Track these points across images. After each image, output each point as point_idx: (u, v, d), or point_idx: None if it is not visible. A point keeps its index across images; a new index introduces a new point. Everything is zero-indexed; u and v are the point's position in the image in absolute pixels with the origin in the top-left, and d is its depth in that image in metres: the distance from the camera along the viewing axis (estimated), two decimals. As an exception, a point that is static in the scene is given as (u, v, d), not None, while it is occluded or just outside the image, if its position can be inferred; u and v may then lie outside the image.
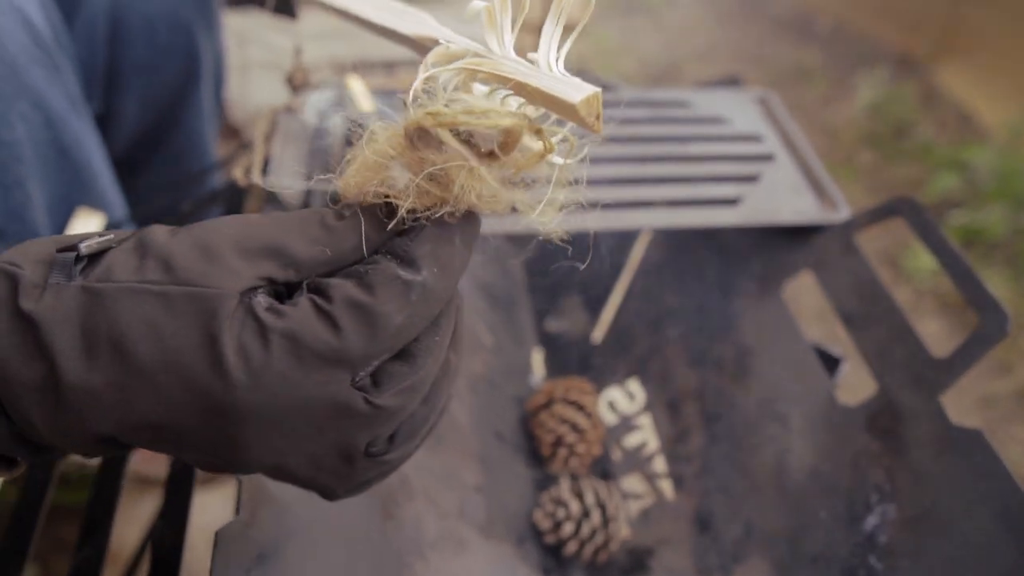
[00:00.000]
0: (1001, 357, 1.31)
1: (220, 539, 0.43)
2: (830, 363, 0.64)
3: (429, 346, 0.30)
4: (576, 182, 0.34)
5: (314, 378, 0.27)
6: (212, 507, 0.94)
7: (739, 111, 0.79)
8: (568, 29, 0.33)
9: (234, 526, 0.44)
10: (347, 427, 0.28)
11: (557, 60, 0.32)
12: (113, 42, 0.74)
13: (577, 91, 0.29)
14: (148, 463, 0.99)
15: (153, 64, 0.78)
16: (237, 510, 0.45)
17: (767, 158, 0.72)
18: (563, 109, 0.29)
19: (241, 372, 0.26)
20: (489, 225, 0.61)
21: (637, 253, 0.78)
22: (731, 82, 0.84)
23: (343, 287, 0.28)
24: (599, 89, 0.29)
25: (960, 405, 1.26)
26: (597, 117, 0.29)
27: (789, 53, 2.17)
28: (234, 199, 0.75)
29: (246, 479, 0.46)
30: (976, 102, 1.88)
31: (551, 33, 0.32)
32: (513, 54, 0.32)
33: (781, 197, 0.67)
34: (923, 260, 1.46)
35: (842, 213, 0.66)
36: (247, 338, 0.26)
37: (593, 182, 0.68)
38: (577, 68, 1.06)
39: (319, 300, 0.28)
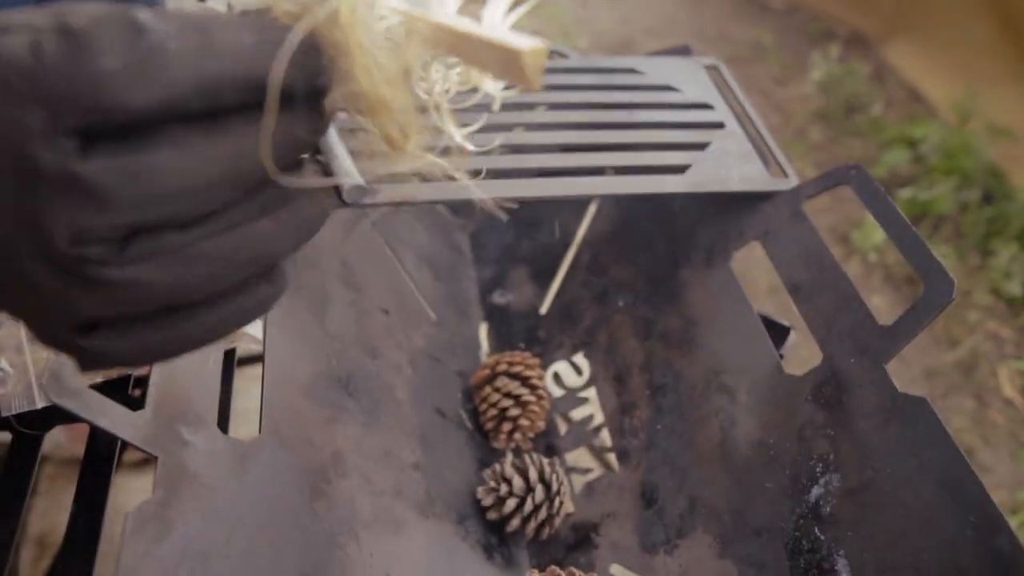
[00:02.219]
0: (947, 330, 1.33)
1: (131, 520, 0.40)
2: (780, 333, 0.63)
3: (186, 148, 0.23)
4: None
5: None
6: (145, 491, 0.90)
7: (689, 79, 0.77)
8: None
9: (148, 507, 0.41)
10: (33, 194, 0.22)
11: (503, 22, 0.31)
12: None
13: (524, 41, 0.28)
14: (79, 443, 0.95)
15: None
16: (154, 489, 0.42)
17: (717, 126, 0.70)
18: (506, 63, 0.28)
19: None
20: (432, 193, 0.59)
21: (584, 225, 0.76)
22: (682, 51, 0.82)
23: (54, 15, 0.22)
24: (547, 46, 0.28)
25: (906, 377, 1.27)
26: (539, 73, 0.28)
27: (744, 31, 2.16)
28: None
29: (163, 456, 0.43)
30: (925, 80, 1.90)
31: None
32: (452, 6, 0.31)
33: (730, 165, 0.66)
34: (872, 236, 1.47)
35: (790, 181, 0.65)
36: None
37: (540, 149, 0.66)
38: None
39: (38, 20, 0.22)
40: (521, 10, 0.32)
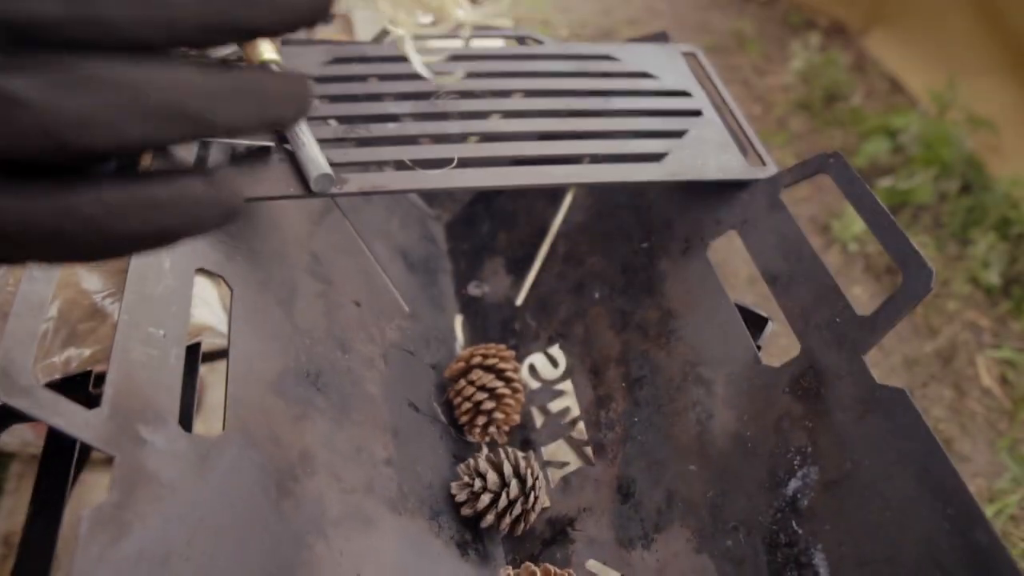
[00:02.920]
0: (926, 320, 1.33)
1: (86, 522, 0.38)
2: (758, 324, 0.62)
3: None
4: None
5: None
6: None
7: (667, 66, 0.76)
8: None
9: (103, 508, 0.40)
10: None
11: None
12: None
13: None
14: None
15: None
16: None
17: (694, 114, 0.69)
18: None
19: None
20: (404, 182, 0.57)
21: (560, 215, 0.75)
22: (659, 37, 0.81)
23: None
24: None
25: (885, 366, 1.27)
26: None
27: (725, 21, 2.15)
28: None
29: (120, 456, 0.41)
30: (904, 70, 1.90)
31: None
32: None
33: (707, 153, 0.65)
34: (852, 226, 1.47)
35: (768, 169, 0.64)
36: None
37: (516, 137, 0.64)
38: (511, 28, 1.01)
39: None
40: None
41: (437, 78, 0.63)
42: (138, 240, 0.23)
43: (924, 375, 1.25)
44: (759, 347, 0.58)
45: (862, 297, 1.40)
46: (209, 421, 0.75)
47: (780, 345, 0.63)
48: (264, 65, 0.23)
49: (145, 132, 0.21)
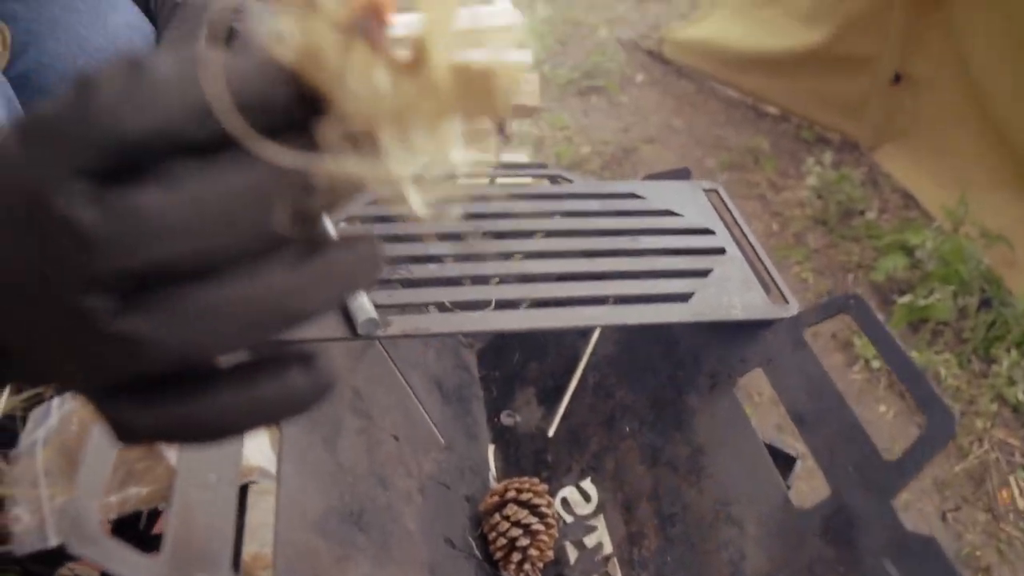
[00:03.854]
0: (954, 439, 1.32)
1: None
2: (786, 461, 0.64)
3: (175, 183, 0.22)
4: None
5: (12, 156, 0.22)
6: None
7: (690, 203, 0.80)
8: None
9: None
10: (43, 241, 0.22)
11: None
12: None
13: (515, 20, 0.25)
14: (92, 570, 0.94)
15: None
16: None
17: (718, 251, 0.73)
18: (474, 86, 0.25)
19: None
20: (442, 325, 0.60)
21: (588, 350, 0.78)
22: (682, 174, 0.86)
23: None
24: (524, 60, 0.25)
25: (916, 488, 1.26)
26: (508, 95, 0.25)
27: (740, 137, 2.24)
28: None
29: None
30: (916, 185, 1.95)
31: None
32: None
33: (732, 292, 0.68)
34: (874, 341, 1.48)
35: (791, 308, 0.67)
36: None
37: (545, 278, 0.68)
38: (535, 160, 1.07)
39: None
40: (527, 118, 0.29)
41: (433, 216, 0.67)
42: (247, 429, 0.26)
43: (956, 498, 1.24)
44: (789, 486, 0.59)
45: (887, 416, 1.40)
46: (249, 545, 0.76)
47: (811, 483, 0.64)
48: (344, 240, 0.26)
49: (248, 340, 0.24)
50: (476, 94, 0.25)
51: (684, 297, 0.67)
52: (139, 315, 0.22)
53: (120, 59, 0.23)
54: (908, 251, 1.70)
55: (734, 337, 0.69)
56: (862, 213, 1.92)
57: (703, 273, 0.70)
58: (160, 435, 0.25)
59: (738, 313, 0.66)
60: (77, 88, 0.22)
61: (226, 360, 0.26)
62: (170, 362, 0.23)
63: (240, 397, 0.25)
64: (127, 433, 0.25)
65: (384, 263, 0.29)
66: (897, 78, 1.94)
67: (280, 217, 0.24)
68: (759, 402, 1.36)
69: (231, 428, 0.26)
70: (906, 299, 1.58)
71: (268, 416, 0.26)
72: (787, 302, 0.68)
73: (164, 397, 0.24)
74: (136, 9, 0.75)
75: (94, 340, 0.23)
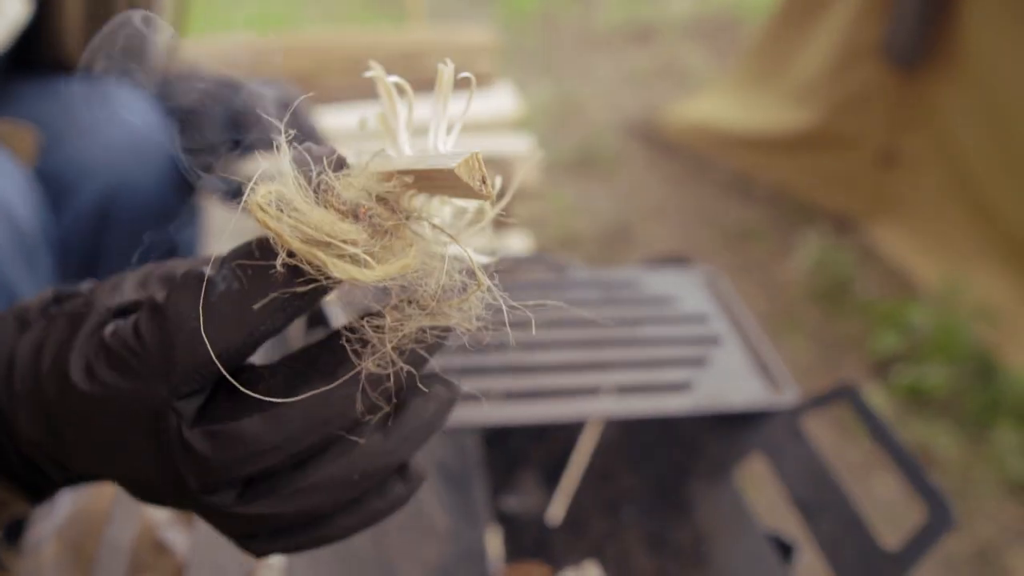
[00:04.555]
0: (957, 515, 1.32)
1: None
2: (785, 550, 0.64)
3: (265, 408, 0.28)
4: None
5: (125, 382, 0.28)
6: None
7: (687, 290, 0.82)
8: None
9: None
10: (168, 449, 0.28)
11: (445, 141, 0.32)
12: (100, 231, 0.75)
13: (453, 159, 0.27)
14: None
15: (135, 248, 0.79)
16: None
17: (715, 340, 0.75)
18: (449, 183, 0.28)
19: (77, 375, 0.28)
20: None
21: (590, 432, 0.79)
22: (679, 260, 0.88)
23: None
24: (477, 150, 0.28)
25: (923, 568, 1.25)
26: (483, 181, 0.28)
27: (733, 213, 2.28)
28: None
29: None
30: (909, 260, 1.99)
31: (437, 119, 0.32)
32: (407, 150, 0.32)
33: (730, 381, 0.70)
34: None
35: (788, 397, 0.68)
36: (88, 350, 0.29)
37: (544, 369, 0.69)
38: (534, 254, 1.09)
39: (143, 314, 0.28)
40: (457, 127, 0.33)
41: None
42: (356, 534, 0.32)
43: (962, 577, 1.23)
44: (791, 577, 0.59)
45: (887, 490, 1.39)
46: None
47: (812, 571, 0.64)
48: (426, 393, 0.31)
49: (351, 495, 0.30)
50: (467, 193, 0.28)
51: (684, 386, 0.68)
52: (258, 501, 0.29)
53: (187, 280, 0.28)
54: (902, 326, 1.73)
55: (734, 425, 0.70)
56: (856, 288, 1.95)
57: (701, 362, 0.71)
58: (293, 553, 0.31)
59: (737, 404, 0.67)
60: (154, 318, 0.27)
61: None
62: (291, 522, 0.29)
63: (354, 519, 0.31)
64: (263, 555, 0.31)
65: (460, 398, 0.33)
66: (887, 157, 2.00)
67: (365, 402, 0.28)
68: (759, 485, 1.35)
69: (345, 538, 0.31)
70: (901, 373, 1.59)
71: (375, 523, 0.32)
72: (784, 391, 0.69)
73: (287, 534, 0.30)
74: (150, 109, 0.79)
75: (223, 521, 0.29)
